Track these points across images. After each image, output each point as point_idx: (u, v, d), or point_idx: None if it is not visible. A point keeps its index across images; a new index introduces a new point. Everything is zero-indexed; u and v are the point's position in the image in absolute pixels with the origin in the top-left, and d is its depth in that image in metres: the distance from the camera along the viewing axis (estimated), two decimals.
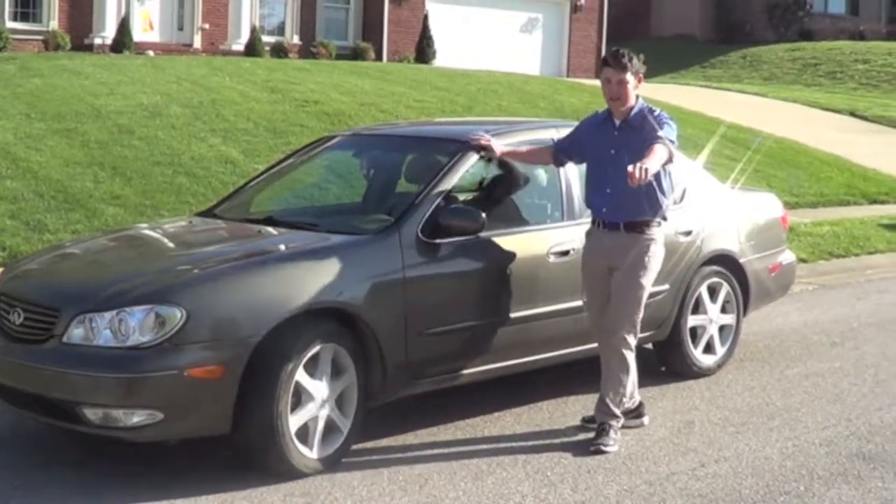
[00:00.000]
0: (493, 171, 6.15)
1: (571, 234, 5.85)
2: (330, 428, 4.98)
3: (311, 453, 4.87)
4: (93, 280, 5.08)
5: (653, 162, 5.08)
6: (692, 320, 6.64)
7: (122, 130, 12.55)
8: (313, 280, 4.92)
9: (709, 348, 6.78)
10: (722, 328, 6.86)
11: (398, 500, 4.63)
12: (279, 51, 22.73)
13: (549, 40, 28.76)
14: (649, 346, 6.62)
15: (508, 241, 5.64)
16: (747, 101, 23.73)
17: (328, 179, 8.83)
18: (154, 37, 22.70)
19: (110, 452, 5.03)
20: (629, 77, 5.44)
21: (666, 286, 6.28)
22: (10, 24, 20.76)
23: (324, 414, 4.93)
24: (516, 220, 5.95)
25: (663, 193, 5.47)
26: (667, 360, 6.73)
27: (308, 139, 10.70)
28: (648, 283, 5.48)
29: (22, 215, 9.67)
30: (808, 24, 37.70)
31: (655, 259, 5.49)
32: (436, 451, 5.28)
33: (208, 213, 6.36)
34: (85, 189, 10.53)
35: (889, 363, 7.16)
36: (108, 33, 21.56)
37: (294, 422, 4.79)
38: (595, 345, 5.67)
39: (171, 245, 5.85)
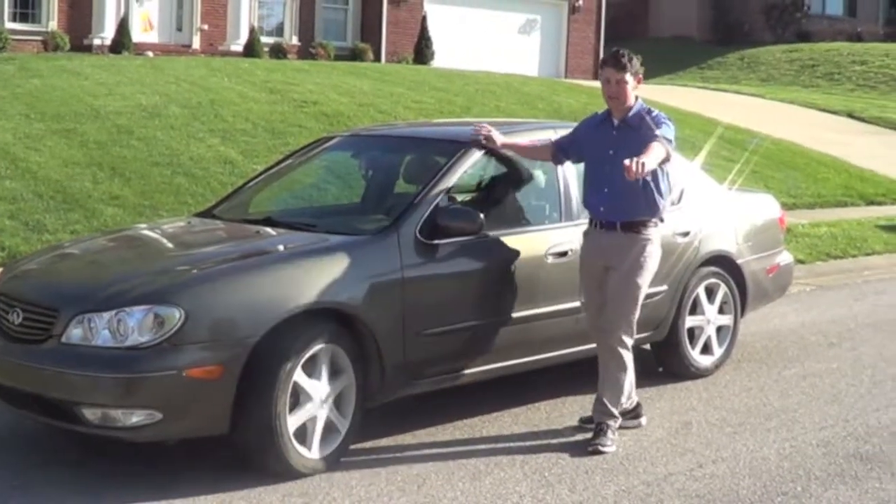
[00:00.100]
0: (492, 171, 6.16)
1: (570, 235, 5.86)
2: (328, 428, 4.98)
3: (309, 453, 4.87)
4: (92, 280, 5.09)
5: (650, 158, 5.10)
6: (690, 321, 6.65)
7: (121, 131, 12.55)
8: (312, 280, 4.93)
9: (706, 349, 6.79)
10: (719, 329, 6.87)
11: (396, 500, 4.64)
12: (278, 51, 22.73)
13: (548, 41, 28.78)
14: (647, 346, 6.64)
15: (507, 241, 5.65)
16: (745, 102, 23.74)
17: (327, 180, 8.84)
18: (153, 37, 22.70)
19: (109, 452, 5.04)
20: (628, 77, 5.46)
21: (664, 287, 6.30)
22: (9, 25, 20.76)
23: (322, 414, 4.94)
24: (515, 220, 5.96)
25: (660, 194, 5.48)
26: (664, 361, 6.74)
27: (307, 140, 10.73)
28: (645, 283, 5.49)
29: (21, 215, 9.67)
30: (805, 26, 37.72)
31: (652, 259, 5.50)
32: (434, 452, 5.29)
33: (207, 214, 6.36)
34: (84, 189, 10.54)
35: (886, 364, 7.17)
36: (108, 34, 21.57)
37: (292, 422, 4.79)
38: (592, 345, 5.69)
39: (169, 245, 5.85)
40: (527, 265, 5.68)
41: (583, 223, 5.76)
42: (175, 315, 4.57)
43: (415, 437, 5.49)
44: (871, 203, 15.41)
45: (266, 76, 16.68)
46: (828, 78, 30.60)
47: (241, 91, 15.31)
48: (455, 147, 5.83)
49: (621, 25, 34.54)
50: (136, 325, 4.58)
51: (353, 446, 5.13)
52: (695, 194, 6.72)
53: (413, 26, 25.60)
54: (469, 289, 5.53)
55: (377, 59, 24.63)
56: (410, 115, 15.45)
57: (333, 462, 4.96)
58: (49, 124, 12.43)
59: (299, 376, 4.81)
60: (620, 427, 5.50)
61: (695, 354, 6.70)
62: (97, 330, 4.62)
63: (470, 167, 5.83)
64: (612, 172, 5.34)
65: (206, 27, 23.42)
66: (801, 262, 10.58)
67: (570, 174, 6.04)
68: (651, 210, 5.47)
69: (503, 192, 6.08)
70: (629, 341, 5.49)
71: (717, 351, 6.84)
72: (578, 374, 6.22)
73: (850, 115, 23.22)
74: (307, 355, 4.83)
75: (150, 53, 20.80)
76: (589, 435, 5.45)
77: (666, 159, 5.35)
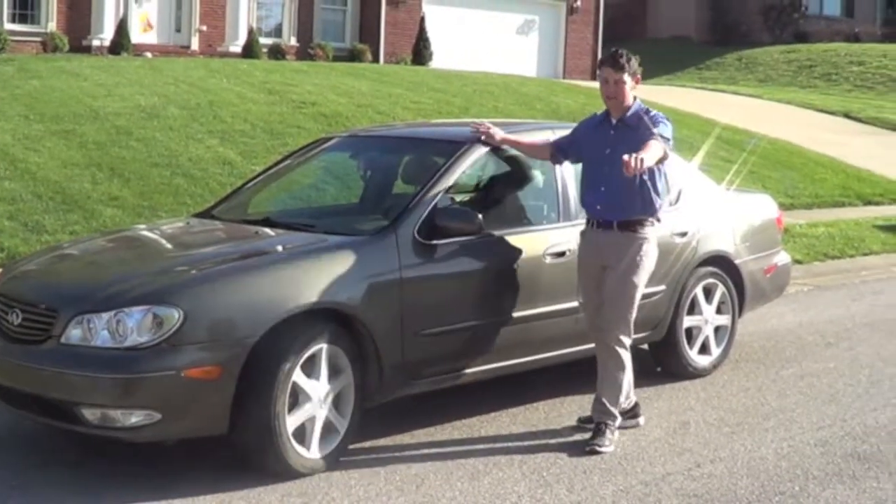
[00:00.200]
0: (491, 172, 6.17)
1: (568, 235, 5.87)
2: (327, 428, 4.99)
3: (308, 453, 4.88)
4: (91, 281, 5.09)
5: (648, 155, 5.12)
6: (688, 321, 6.66)
7: (120, 132, 12.56)
8: (310, 281, 4.94)
9: (704, 349, 6.81)
10: (717, 329, 6.88)
11: (395, 500, 4.65)
12: (276, 52, 22.74)
13: (546, 42, 28.78)
14: (645, 346, 6.65)
15: (505, 241, 5.66)
16: (742, 103, 23.76)
17: (325, 181, 8.86)
18: (152, 38, 22.69)
19: (108, 453, 5.05)
20: (626, 77, 5.48)
21: (662, 287, 6.31)
22: (8, 26, 20.75)
23: (321, 414, 4.95)
24: (513, 221, 5.97)
25: (657, 193, 5.50)
26: (662, 361, 6.75)
27: (305, 140, 10.73)
28: (641, 282, 5.50)
29: (20, 216, 9.68)
30: (803, 26, 37.74)
31: (648, 258, 5.51)
32: (432, 451, 5.30)
33: (206, 214, 6.37)
34: (83, 190, 10.54)
35: (884, 364, 7.18)
36: (107, 35, 21.56)
37: (291, 422, 4.80)
38: (591, 345, 5.70)
39: (168, 246, 5.86)
40: (525, 265, 5.69)
41: (581, 223, 5.77)
42: (174, 315, 4.58)
43: (413, 436, 5.50)
44: (868, 203, 15.42)
45: (265, 77, 16.69)
46: (825, 78, 30.61)
47: (239, 92, 15.32)
48: (453, 147, 5.84)
49: (619, 26, 34.55)
50: (135, 326, 4.59)
51: (351, 446, 5.13)
52: (693, 195, 6.73)
53: (411, 27, 25.60)
54: (467, 289, 5.54)
55: (375, 59, 24.64)
56: (409, 115, 15.46)
57: (332, 462, 4.97)
58: (48, 125, 12.44)
59: (298, 376, 4.82)
60: (619, 427, 5.51)
61: (693, 354, 6.71)
62: (96, 330, 4.63)
63: (468, 167, 5.84)
64: (610, 171, 5.36)
65: (204, 28, 23.41)
66: (798, 262, 10.59)
67: (569, 174, 6.05)
68: (648, 209, 5.48)
69: (501, 192, 6.10)
70: (627, 341, 5.50)
71: (715, 351, 6.86)
72: (577, 374, 6.23)
73: (848, 116, 23.24)
74: (306, 355, 4.84)
75: (149, 54, 20.80)
76: (587, 435, 5.46)
77: (664, 158, 5.37)
